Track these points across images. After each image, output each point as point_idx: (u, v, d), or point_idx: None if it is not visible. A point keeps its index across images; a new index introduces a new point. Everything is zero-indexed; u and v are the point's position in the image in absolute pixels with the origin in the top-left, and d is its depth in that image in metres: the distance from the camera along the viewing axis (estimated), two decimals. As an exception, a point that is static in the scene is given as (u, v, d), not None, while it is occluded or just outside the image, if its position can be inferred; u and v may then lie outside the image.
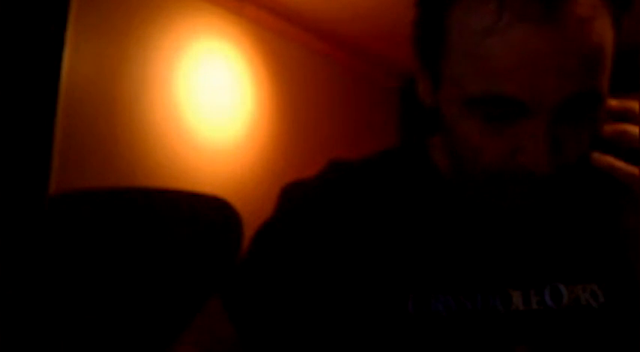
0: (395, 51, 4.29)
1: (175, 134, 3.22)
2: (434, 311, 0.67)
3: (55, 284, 1.09)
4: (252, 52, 3.74)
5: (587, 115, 0.62)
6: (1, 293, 1.10)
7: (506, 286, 0.69)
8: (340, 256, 0.71)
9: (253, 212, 1.76)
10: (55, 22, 2.63)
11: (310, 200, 0.76)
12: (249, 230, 1.13)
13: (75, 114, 2.73)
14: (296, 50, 4.09)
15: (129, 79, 2.99)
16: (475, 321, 0.67)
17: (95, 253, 1.10)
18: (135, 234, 1.12)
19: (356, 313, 0.69)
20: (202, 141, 3.38)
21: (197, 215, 1.14)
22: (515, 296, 0.68)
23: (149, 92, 3.09)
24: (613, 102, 0.67)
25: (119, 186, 1.77)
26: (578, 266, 0.71)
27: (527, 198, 0.64)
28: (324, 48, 4.30)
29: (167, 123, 3.18)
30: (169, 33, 3.20)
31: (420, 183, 0.75)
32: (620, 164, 0.64)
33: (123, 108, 2.96)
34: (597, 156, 0.65)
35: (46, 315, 1.08)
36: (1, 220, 2.19)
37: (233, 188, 3.48)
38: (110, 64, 2.91)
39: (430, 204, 0.73)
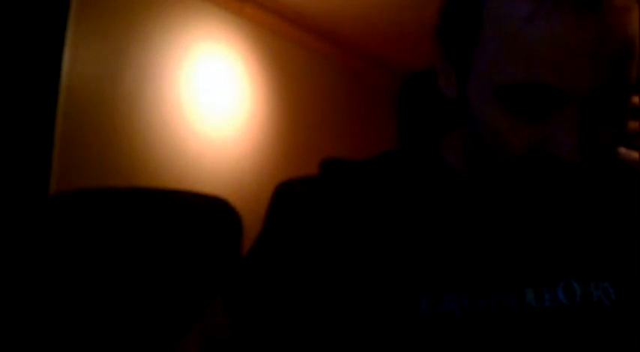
0: (394, 51, 4.29)
1: (176, 133, 3.22)
2: (447, 311, 0.66)
3: (55, 283, 1.09)
4: (251, 51, 3.74)
5: (616, 107, 0.62)
6: (1, 293, 1.10)
7: (520, 284, 0.68)
8: (350, 256, 0.70)
9: (252, 208, 1.77)
10: (55, 22, 2.64)
11: (317, 199, 0.75)
12: (248, 224, 1.13)
13: (75, 114, 2.74)
14: (295, 50, 4.10)
15: (129, 79, 2.99)
16: (488, 320, 0.66)
17: (96, 253, 1.11)
18: (135, 233, 1.12)
19: (367, 313, 0.68)
20: (203, 139, 3.38)
21: (197, 215, 1.14)
22: (529, 294, 0.68)
23: (149, 92, 3.09)
24: (635, 99, 0.66)
25: (119, 186, 1.77)
26: (591, 263, 0.70)
27: (554, 187, 0.63)
28: (323, 47, 4.30)
29: (167, 122, 3.18)
30: (169, 33, 3.20)
31: (432, 180, 0.74)
32: None
33: (123, 108, 2.96)
34: (625, 151, 0.65)
35: (46, 315, 1.09)
36: (1, 220, 2.19)
37: (232, 183, 3.49)
38: (110, 64, 2.91)
39: (442, 202, 0.72)
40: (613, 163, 0.65)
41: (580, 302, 0.67)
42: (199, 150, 3.36)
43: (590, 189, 0.66)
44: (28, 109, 2.56)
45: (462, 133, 0.72)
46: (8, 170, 2.49)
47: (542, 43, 0.58)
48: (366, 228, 0.71)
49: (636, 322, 0.68)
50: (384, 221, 0.71)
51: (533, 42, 0.58)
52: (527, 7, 0.59)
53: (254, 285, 0.74)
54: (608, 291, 0.68)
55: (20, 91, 2.53)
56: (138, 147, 3.03)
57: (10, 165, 2.50)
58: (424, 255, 0.69)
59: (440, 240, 0.70)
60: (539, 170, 0.62)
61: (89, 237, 1.11)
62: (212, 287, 1.06)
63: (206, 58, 3.42)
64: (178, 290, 1.09)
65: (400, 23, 3.70)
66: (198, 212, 1.15)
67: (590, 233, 0.71)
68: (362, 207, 0.72)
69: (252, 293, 0.74)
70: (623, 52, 0.60)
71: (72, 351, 1.07)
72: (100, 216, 1.13)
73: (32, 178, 2.56)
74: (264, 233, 0.77)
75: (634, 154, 0.65)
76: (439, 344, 0.66)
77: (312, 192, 0.76)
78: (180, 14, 3.25)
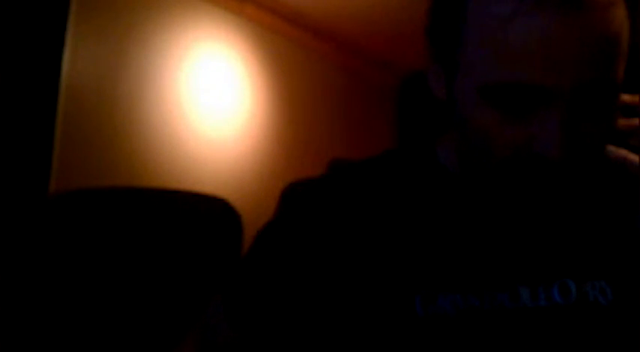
0: (393, 50, 4.29)
1: (176, 133, 3.22)
2: (441, 311, 0.66)
3: (55, 283, 1.10)
4: (251, 51, 3.74)
5: (603, 105, 0.61)
6: (1, 293, 1.10)
7: (515, 283, 0.68)
8: (345, 257, 0.70)
9: (252, 207, 1.77)
10: (55, 23, 2.64)
11: (314, 199, 0.75)
12: (248, 224, 1.13)
13: (75, 114, 2.74)
14: (295, 50, 4.09)
15: (129, 79, 3.00)
16: (483, 320, 0.66)
17: (95, 253, 1.11)
18: (135, 234, 1.12)
19: (362, 314, 0.68)
20: (203, 139, 3.38)
21: (197, 215, 1.14)
22: (524, 293, 0.67)
23: (149, 92, 3.09)
24: (626, 97, 0.66)
25: (119, 186, 1.77)
26: (587, 262, 0.70)
27: (541, 187, 0.63)
28: (322, 47, 4.30)
29: (167, 122, 3.18)
30: (169, 33, 3.20)
31: (426, 180, 0.74)
32: (635, 157, 0.64)
33: (123, 108, 2.96)
34: (613, 148, 0.64)
35: (46, 315, 1.09)
36: (1, 220, 2.19)
37: (232, 183, 3.49)
38: (110, 64, 2.91)
39: (436, 202, 0.72)
40: (601, 161, 0.65)
41: (576, 301, 0.67)
42: (199, 150, 3.36)
43: (579, 188, 0.66)
44: (28, 109, 2.56)
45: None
46: (8, 170, 2.49)
47: (523, 42, 0.58)
48: (363, 229, 0.71)
49: (634, 321, 0.68)
50: (379, 221, 0.71)
51: (514, 41, 0.58)
52: (508, 7, 0.58)
53: (254, 285, 0.75)
54: (604, 291, 0.68)
55: (20, 91, 2.53)
56: (138, 147, 3.03)
57: (10, 165, 2.50)
58: (418, 254, 0.69)
59: (434, 239, 0.70)
60: (525, 169, 0.62)
61: (88, 237, 1.11)
62: (212, 287, 1.06)
63: (206, 58, 3.42)
64: (178, 291, 1.10)
65: (400, 22, 3.70)
66: (198, 212, 1.15)
67: (585, 232, 0.71)
68: (360, 208, 0.72)
69: (252, 294, 0.74)
70: (607, 50, 0.59)
71: (72, 351, 1.07)
72: (99, 216, 1.13)
73: (32, 178, 2.56)
74: (265, 234, 0.77)
75: (622, 152, 0.65)
76: (433, 343, 0.65)
77: (317, 194, 0.76)
78: (180, 14, 3.25)
